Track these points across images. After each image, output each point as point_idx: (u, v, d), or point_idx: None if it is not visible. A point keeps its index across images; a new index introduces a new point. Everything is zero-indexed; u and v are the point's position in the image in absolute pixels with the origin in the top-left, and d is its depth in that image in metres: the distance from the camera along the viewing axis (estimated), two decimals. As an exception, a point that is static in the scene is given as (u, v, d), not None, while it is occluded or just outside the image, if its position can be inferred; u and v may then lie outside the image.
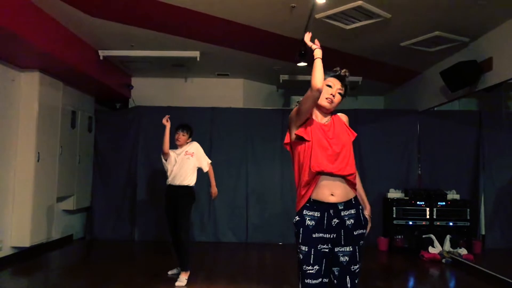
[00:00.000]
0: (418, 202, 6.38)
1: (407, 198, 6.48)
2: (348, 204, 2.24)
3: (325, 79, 2.33)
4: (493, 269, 4.91)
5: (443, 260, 5.68)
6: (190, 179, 4.59)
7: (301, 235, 2.21)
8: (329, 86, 2.35)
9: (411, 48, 5.48)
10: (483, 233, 6.60)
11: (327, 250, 2.19)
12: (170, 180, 4.62)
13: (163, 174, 6.91)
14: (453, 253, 5.75)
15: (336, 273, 2.23)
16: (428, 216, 6.32)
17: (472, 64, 5.02)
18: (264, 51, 6.02)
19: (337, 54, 5.92)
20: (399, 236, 6.34)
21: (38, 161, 5.43)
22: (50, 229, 5.86)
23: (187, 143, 4.73)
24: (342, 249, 2.23)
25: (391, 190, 6.69)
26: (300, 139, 2.27)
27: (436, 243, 5.96)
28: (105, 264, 5.43)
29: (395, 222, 6.37)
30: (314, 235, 2.19)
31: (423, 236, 6.13)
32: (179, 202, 4.52)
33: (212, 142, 7.05)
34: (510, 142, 6.65)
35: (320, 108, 2.35)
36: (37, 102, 5.40)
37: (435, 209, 6.32)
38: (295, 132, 2.29)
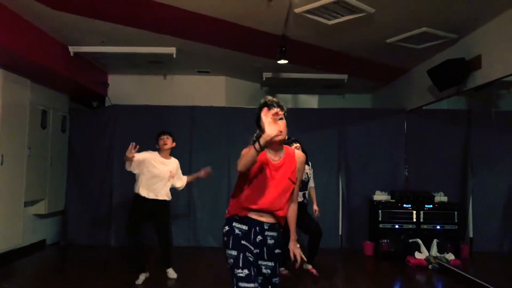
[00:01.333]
0: (404, 205, 6.15)
1: (394, 200, 6.25)
2: (272, 226, 2.44)
3: (260, 115, 2.36)
4: (481, 276, 4.69)
5: (430, 266, 5.46)
6: (165, 195, 4.62)
7: (230, 241, 2.39)
8: (273, 120, 2.27)
9: (397, 45, 5.21)
10: (471, 236, 6.41)
11: (252, 259, 2.36)
12: (148, 195, 4.50)
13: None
14: (440, 259, 5.53)
15: (259, 281, 2.41)
16: (415, 220, 6.09)
17: (461, 62, 4.78)
18: (244, 47, 5.73)
19: (320, 51, 5.65)
20: (385, 240, 6.10)
21: (1, 164, 5.09)
22: (18, 235, 5.54)
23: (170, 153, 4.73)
24: (265, 263, 2.44)
25: (377, 192, 6.46)
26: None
27: (422, 248, 5.74)
28: (80, 271, 5.18)
29: (381, 225, 6.13)
30: (242, 242, 2.38)
31: (410, 240, 5.91)
32: (160, 213, 4.58)
33: (192, 142, 6.75)
34: (499, 142, 6.45)
35: (273, 145, 2.36)
36: (0, 101, 5.06)
37: (422, 212, 6.10)
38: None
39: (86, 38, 5.41)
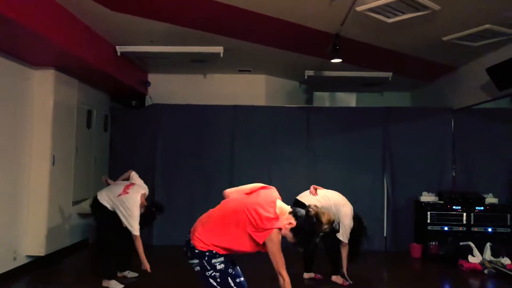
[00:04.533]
0: (454, 207, 5.99)
1: (442, 202, 6.09)
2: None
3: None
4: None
5: (485, 271, 5.29)
6: None
7: (233, 272, 2.55)
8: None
9: (452, 43, 5.05)
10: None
11: None
12: None
13: (183, 174, 6.68)
14: (495, 263, 5.36)
15: None
16: (465, 222, 5.93)
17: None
18: (292, 45, 5.62)
19: (369, 48, 5.50)
20: (434, 243, 5.97)
21: (53, 164, 5.11)
22: (66, 235, 5.57)
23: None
24: None
25: (424, 193, 6.30)
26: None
27: (475, 251, 5.57)
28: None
29: (429, 227, 5.99)
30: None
31: (461, 243, 5.75)
32: None
33: (234, 141, 6.69)
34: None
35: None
36: (52, 102, 5.08)
37: (472, 214, 5.93)
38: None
39: (134, 38, 5.38)
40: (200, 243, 2.52)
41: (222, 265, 2.51)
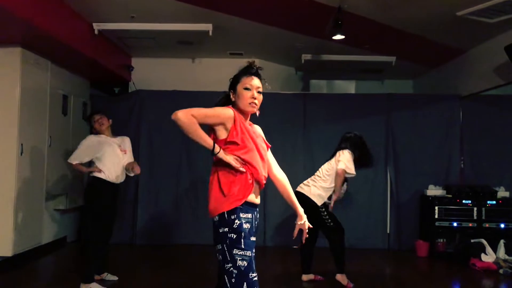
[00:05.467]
0: (463, 201, 5.53)
1: (450, 196, 5.63)
2: (258, 209, 2.27)
3: (239, 79, 2.30)
4: None
5: (501, 271, 4.83)
6: (123, 177, 4.23)
7: (243, 240, 2.07)
8: (247, 88, 2.25)
9: (466, 19, 4.56)
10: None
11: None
12: (113, 178, 4.07)
13: (169, 166, 6.17)
14: (510, 262, 4.91)
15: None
16: (475, 217, 5.48)
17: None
18: (288, 22, 5.10)
19: (373, 26, 5.00)
20: (442, 240, 5.51)
21: (21, 154, 4.55)
22: (38, 233, 5.03)
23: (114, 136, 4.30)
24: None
25: (431, 186, 5.84)
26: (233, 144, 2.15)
27: (488, 249, 5.12)
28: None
29: (437, 223, 5.53)
30: (251, 239, 2.13)
31: (472, 240, 5.30)
32: (116, 201, 4.18)
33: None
34: None
35: (243, 113, 2.25)
36: (19, 84, 4.51)
37: (483, 209, 5.48)
38: (226, 138, 2.16)
39: (113, 13, 4.83)
40: None
41: None
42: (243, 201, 2.10)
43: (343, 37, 4.52)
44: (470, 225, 5.49)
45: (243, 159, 2.12)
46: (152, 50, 6.29)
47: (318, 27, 4.95)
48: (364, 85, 7.88)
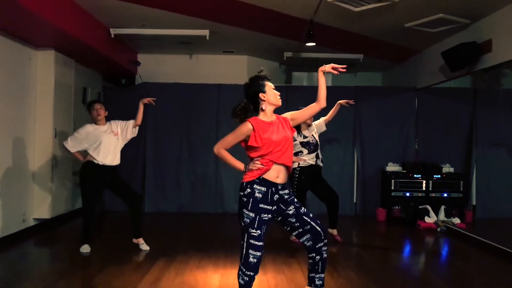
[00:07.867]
0: (415, 175, 6.76)
1: (405, 171, 6.85)
2: (284, 186, 2.92)
3: (264, 84, 2.92)
4: (483, 236, 5.34)
5: (438, 229, 6.11)
6: (119, 159, 4.71)
7: (250, 204, 2.77)
8: (274, 89, 2.95)
9: (413, 29, 5.70)
10: (474, 203, 7.05)
11: (267, 218, 2.80)
12: (101, 160, 4.53)
13: (173, 149, 7.27)
14: (447, 222, 6.17)
15: (293, 220, 2.90)
16: (424, 188, 6.71)
17: (473, 45, 5.28)
18: (271, 30, 6.19)
19: (342, 34, 6.12)
20: (397, 207, 6.74)
21: (55, 137, 5.63)
22: (68, 201, 6.14)
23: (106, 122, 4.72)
24: (287, 210, 2.90)
25: (390, 163, 7.04)
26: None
27: (431, 213, 6.37)
28: (114, 237, 5.64)
29: (393, 194, 6.76)
30: (260, 205, 2.78)
31: (420, 207, 6.54)
32: (118, 177, 4.71)
33: (218, 117, 7.29)
34: (502, 118, 7.01)
35: (272, 107, 2.92)
36: (53, 80, 5.56)
37: (430, 182, 6.71)
38: (247, 143, 2.86)
39: (127, 21, 5.86)
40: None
41: None
42: (255, 177, 2.80)
43: (314, 44, 5.62)
44: (420, 194, 6.71)
45: (260, 156, 2.80)
46: (156, 48, 7.33)
47: (296, 34, 6.04)
48: (339, 77, 8.89)
